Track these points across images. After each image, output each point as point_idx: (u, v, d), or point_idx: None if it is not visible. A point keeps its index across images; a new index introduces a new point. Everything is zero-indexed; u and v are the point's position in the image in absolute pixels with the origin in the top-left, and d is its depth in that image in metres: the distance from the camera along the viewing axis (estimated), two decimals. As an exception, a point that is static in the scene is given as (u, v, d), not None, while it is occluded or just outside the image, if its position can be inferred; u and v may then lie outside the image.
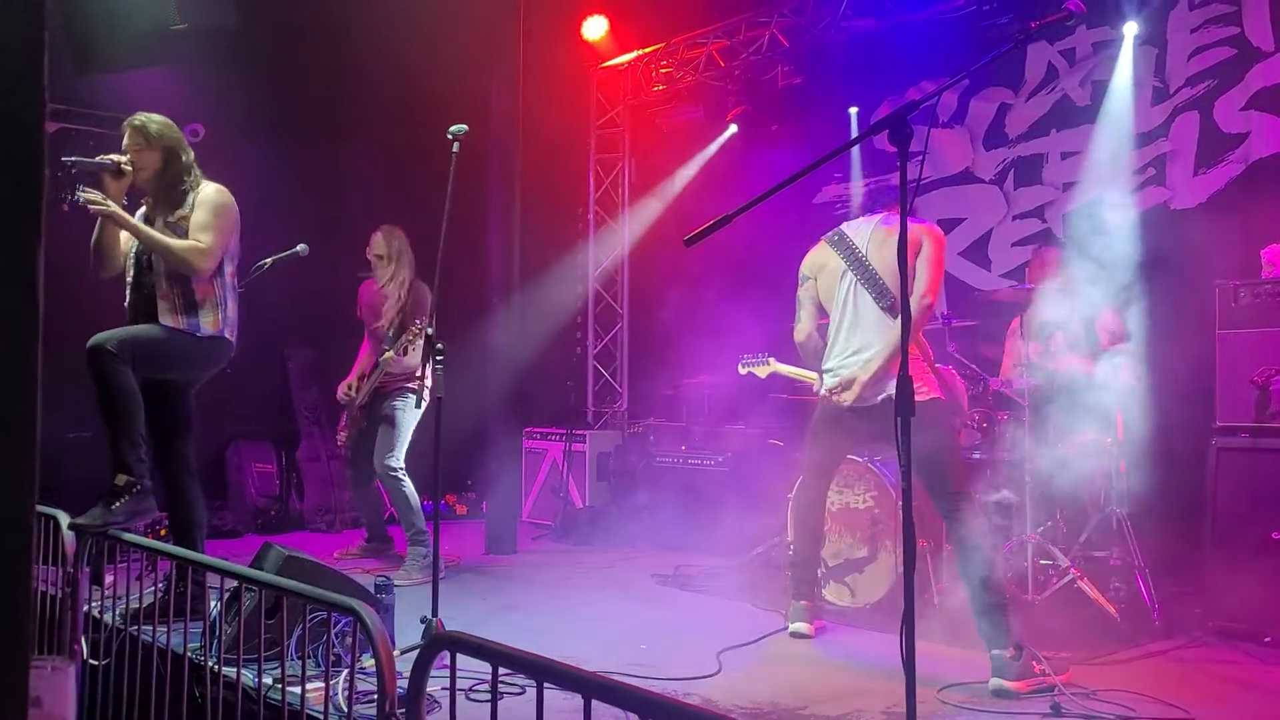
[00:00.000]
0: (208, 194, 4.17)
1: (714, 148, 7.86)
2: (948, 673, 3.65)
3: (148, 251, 4.11)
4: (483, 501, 7.55)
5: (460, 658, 2.09)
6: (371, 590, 3.74)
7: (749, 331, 7.00)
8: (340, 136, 7.31)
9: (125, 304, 4.21)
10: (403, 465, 5.49)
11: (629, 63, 8.22)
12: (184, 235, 4.06)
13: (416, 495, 5.50)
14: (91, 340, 3.85)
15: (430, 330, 3.81)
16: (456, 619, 3.89)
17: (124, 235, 4.16)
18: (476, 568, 5.87)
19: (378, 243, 5.68)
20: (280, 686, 3.05)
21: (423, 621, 3.73)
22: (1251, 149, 5.46)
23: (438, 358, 3.74)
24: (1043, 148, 6.39)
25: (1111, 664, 3.80)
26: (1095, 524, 4.79)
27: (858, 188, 7.28)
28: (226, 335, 4.19)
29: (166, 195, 4.16)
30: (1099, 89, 6.13)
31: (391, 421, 5.52)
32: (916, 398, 3.86)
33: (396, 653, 3.00)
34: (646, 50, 8.02)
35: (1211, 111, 5.63)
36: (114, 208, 3.97)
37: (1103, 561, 4.67)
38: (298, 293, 6.45)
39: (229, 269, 4.24)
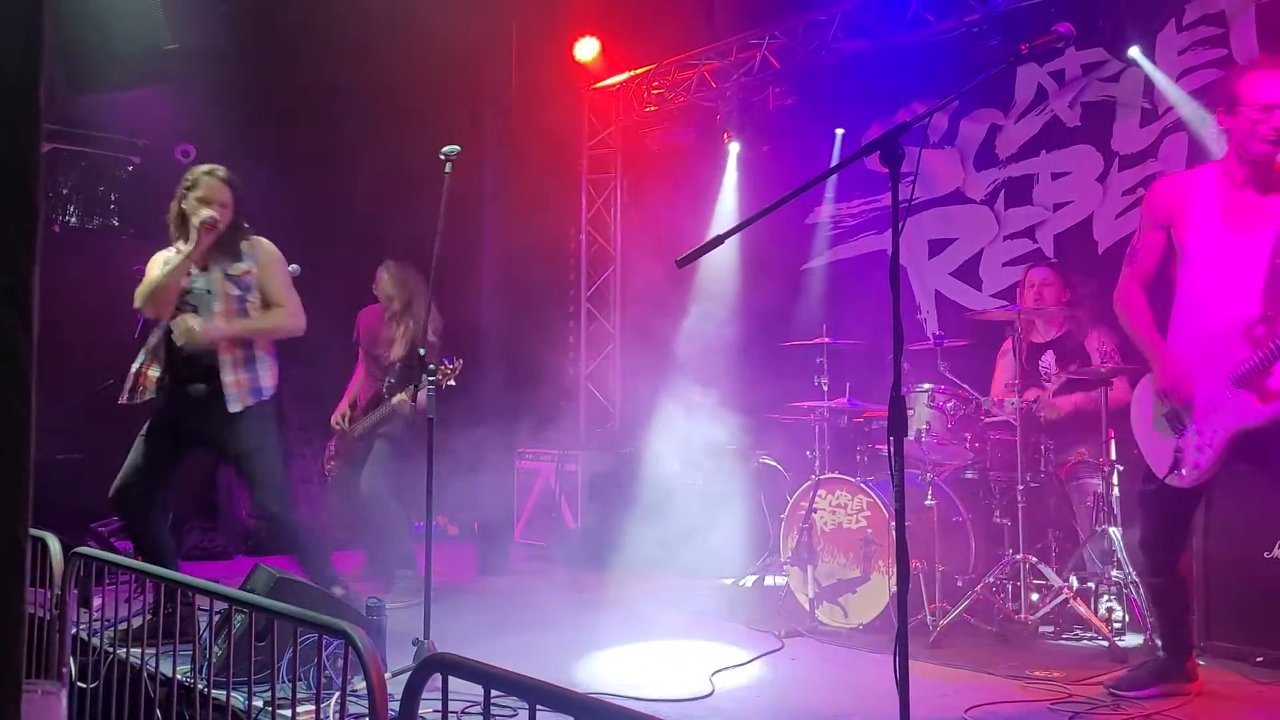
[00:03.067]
0: (269, 251, 4.32)
1: (731, 169, 7.80)
2: (945, 694, 3.63)
3: (193, 302, 4.18)
4: (475, 522, 7.51)
5: (453, 680, 2.08)
6: (364, 612, 3.72)
7: (742, 351, 7.02)
8: (332, 157, 7.30)
9: (153, 350, 4.22)
10: (390, 488, 5.46)
11: (621, 83, 8.25)
12: (247, 289, 4.22)
13: (405, 517, 5.48)
14: (267, 507, 4.22)
15: (423, 350, 3.81)
16: (449, 640, 3.86)
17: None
18: (469, 589, 5.84)
19: (385, 283, 5.68)
20: (271, 709, 3.03)
21: (415, 643, 3.71)
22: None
23: (429, 378, 3.74)
24: (1033, 168, 6.42)
25: (1102, 683, 3.78)
26: (1089, 544, 4.79)
27: (827, 211, 7.32)
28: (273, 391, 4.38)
29: (224, 247, 4.23)
30: (1088, 110, 6.17)
31: (390, 444, 5.48)
32: None
33: (388, 675, 2.99)
34: (638, 71, 8.05)
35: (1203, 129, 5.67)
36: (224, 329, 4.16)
37: (1097, 581, 4.66)
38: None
39: None
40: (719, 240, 2.40)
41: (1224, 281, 3.34)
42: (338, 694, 3.19)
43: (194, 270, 4.22)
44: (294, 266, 5.09)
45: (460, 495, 7.65)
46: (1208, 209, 3.40)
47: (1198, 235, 3.42)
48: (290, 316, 4.31)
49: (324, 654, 3.20)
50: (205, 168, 4.20)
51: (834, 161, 7.21)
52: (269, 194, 6.63)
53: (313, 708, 3.03)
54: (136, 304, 4.21)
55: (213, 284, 4.18)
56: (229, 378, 4.09)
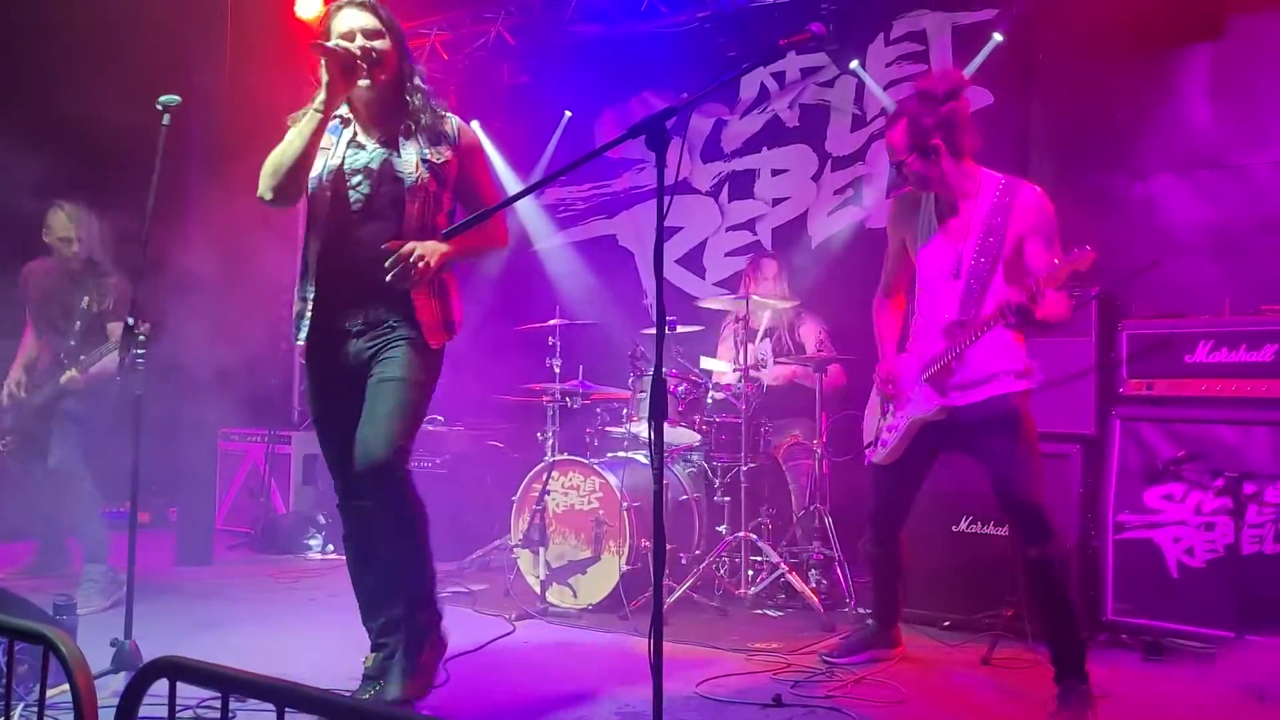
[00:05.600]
0: (474, 134, 3.30)
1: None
2: (676, 669, 3.72)
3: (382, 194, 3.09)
4: (170, 508, 6.93)
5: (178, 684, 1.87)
6: (50, 612, 3.32)
7: (471, 331, 6.88)
8: (15, 98, 6.36)
9: (317, 278, 3.15)
10: (82, 466, 4.88)
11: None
12: (448, 184, 3.16)
13: (99, 500, 4.92)
14: (369, 456, 2.98)
15: (130, 320, 3.41)
16: (149, 640, 3.51)
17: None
18: (167, 582, 5.36)
19: (61, 224, 4.96)
20: (-61, 729, 2.63)
21: (113, 644, 3.36)
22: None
23: (138, 351, 3.37)
24: (755, 164, 6.73)
25: (817, 652, 4.02)
26: (800, 521, 5.09)
27: (555, 194, 7.35)
28: None
29: (409, 117, 3.15)
30: (806, 112, 6.54)
31: (76, 419, 4.88)
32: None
33: (90, 682, 2.66)
34: (365, 35, 7.69)
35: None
36: None
37: (807, 556, 4.97)
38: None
39: None
40: (486, 214, 2.32)
41: (935, 286, 3.60)
42: (21, 705, 2.82)
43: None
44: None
45: (154, 479, 7.03)
46: (925, 218, 3.66)
47: (920, 245, 3.67)
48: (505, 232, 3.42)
49: (3, 660, 2.83)
50: None
51: (555, 143, 7.26)
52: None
53: (-6, 723, 2.66)
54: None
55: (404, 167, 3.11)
56: (426, 316, 3.20)
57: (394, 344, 3.11)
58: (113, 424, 4.82)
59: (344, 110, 3.20)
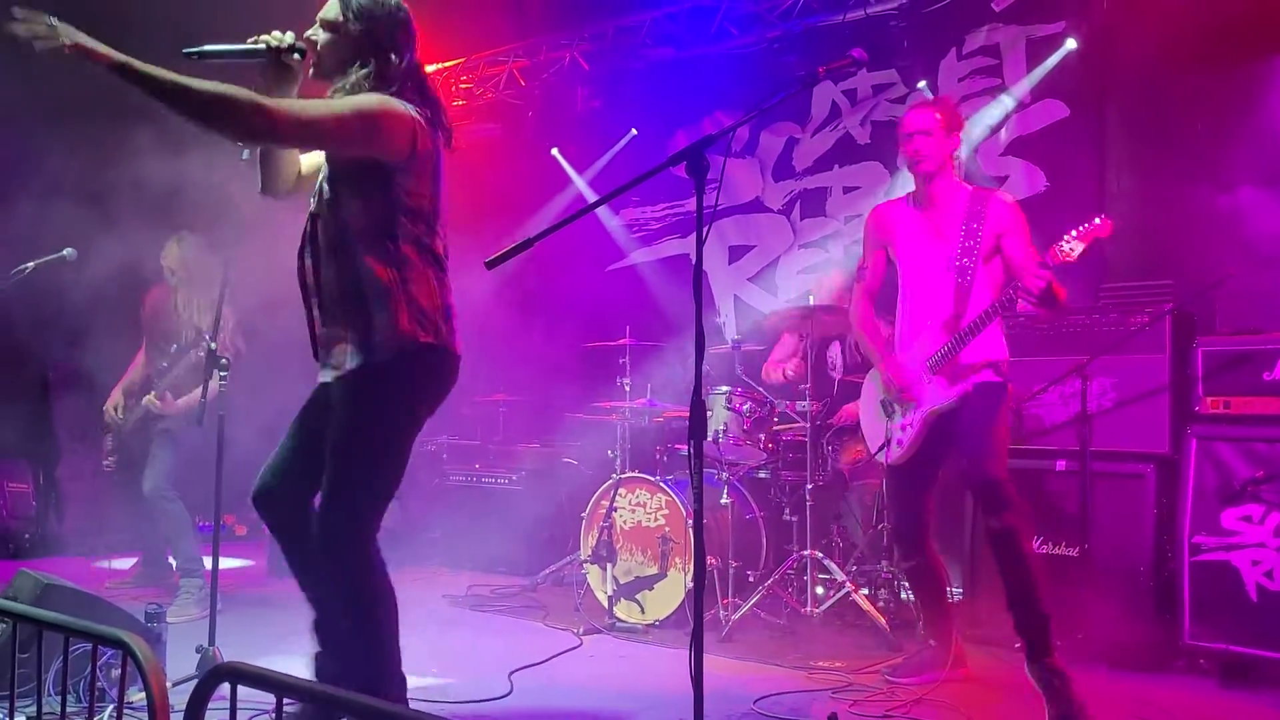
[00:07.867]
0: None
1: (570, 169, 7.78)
2: (736, 686, 3.77)
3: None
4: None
5: (242, 690, 2.00)
6: (141, 619, 3.52)
7: (543, 349, 7.03)
8: (117, 114, 6.52)
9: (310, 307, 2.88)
10: (173, 487, 5.14)
11: (427, 76, 8.11)
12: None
13: (189, 519, 5.17)
14: (324, 526, 2.82)
15: (214, 344, 3.61)
16: (235, 647, 3.70)
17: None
18: (257, 593, 5.60)
19: (173, 255, 5.26)
20: (35, 726, 2.82)
21: (198, 651, 3.55)
22: (1010, 191, 5.94)
23: (221, 373, 3.57)
24: (826, 181, 6.74)
25: (880, 671, 4.01)
26: (868, 539, 5.07)
27: (631, 213, 7.46)
28: (429, 339, 2.95)
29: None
30: (877, 129, 6.53)
31: (170, 440, 5.15)
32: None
33: (169, 685, 2.83)
34: (446, 64, 7.93)
35: (975, 155, 6.10)
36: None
37: (874, 574, 4.95)
38: (62, 298, 5.93)
39: (414, 228, 2.81)
40: (530, 243, 2.42)
41: (926, 287, 3.80)
42: (111, 707, 3.01)
43: None
44: (69, 251, 4.74)
45: (247, 492, 7.30)
46: (910, 227, 3.86)
47: (905, 250, 3.87)
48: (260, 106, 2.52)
49: (97, 665, 3.02)
50: None
51: (608, 159, 7.40)
52: (37, 158, 6.03)
53: (83, 723, 2.85)
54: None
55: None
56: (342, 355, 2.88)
57: (337, 388, 2.86)
58: (206, 441, 5.06)
59: None
